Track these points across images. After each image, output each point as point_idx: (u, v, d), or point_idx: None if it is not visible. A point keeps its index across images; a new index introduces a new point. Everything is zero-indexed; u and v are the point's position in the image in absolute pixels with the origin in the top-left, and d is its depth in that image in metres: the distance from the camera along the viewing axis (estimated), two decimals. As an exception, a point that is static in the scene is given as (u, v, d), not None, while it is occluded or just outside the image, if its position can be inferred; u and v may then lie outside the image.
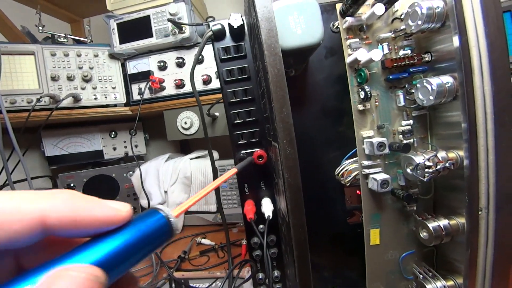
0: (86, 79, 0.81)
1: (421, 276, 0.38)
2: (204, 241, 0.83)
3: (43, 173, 1.01)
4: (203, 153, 0.96)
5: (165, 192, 0.89)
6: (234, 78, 0.38)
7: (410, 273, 0.40)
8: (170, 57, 0.83)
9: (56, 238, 0.14)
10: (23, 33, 0.83)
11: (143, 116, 0.97)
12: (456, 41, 0.28)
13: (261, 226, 0.40)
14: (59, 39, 0.87)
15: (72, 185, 0.94)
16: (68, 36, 0.90)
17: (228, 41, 0.38)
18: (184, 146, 1.16)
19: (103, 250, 0.13)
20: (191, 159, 0.92)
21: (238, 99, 0.38)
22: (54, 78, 0.78)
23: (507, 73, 0.28)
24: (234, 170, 0.25)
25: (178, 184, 0.90)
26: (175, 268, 0.69)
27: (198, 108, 0.83)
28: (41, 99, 0.73)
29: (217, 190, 0.56)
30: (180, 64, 0.82)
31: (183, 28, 0.76)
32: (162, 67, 0.83)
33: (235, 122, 0.38)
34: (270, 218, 0.35)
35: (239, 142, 0.39)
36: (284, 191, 0.27)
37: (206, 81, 0.81)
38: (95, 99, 0.83)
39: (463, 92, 0.28)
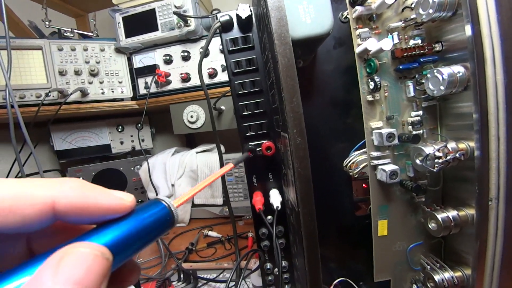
0: (93, 74, 0.81)
1: (428, 267, 0.39)
2: (211, 233, 0.84)
3: (52, 167, 1.03)
4: (209, 147, 0.97)
5: (172, 185, 0.90)
6: (242, 69, 0.38)
7: (418, 264, 0.41)
8: (175, 51, 0.83)
9: (64, 224, 0.15)
10: (30, 28, 0.83)
11: (150, 110, 0.98)
12: (468, 30, 0.28)
13: (269, 217, 0.41)
14: (65, 34, 0.87)
15: (81, 178, 0.95)
16: (74, 30, 0.90)
17: (236, 33, 0.38)
18: (190, 140, 1.16)
19: (109, 235, 0.13)
20: (197, 153, 0.93)
21: (246, 91, 0.38)
22: (61, 73, 0.78)
23: (520, 62, 0.27)
24: (230, 165, 0.25)
25: (185, 177, 0.91)
26: (183, 259, 0.71)
27: (204, 101, 0.84)
28: (49, 94, 0.74)
29: (223, 184, 0.56)
30: (186, 58, 0.82)
31: (189, 21, 0.76)
32: (168, 60, 0.83)
33: (243, 114, 0.38)
34: (279, 208, 0.36)
35: (247, 134, 0.39)
36: (294, 181, 0.27)
37: (212, 75, 0.81)
38: (102, 93, 0.83)
39: (475, 82, 0.28)
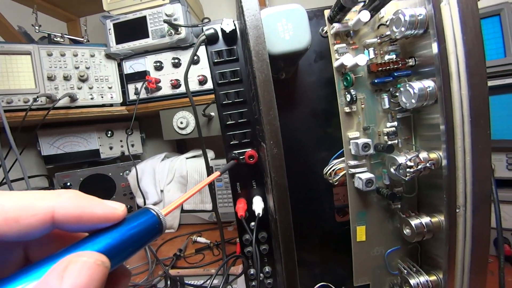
0: (83, 79, 0.81)
1: (405, 271, 0.40)
2: (199, 239, 0.84)
3: (39, 172, 1.02)
4: (199, 152, 0.98)
5: (161, 191, 0.90)
6: (227, 80, 0.39)
7: (396, 268, 0.42)
8: (166, 58, 0.84)
9: (59, 232, 0.16)
10: (19, 33, 0.83)
11: (140, 115, 0.98)
12: (435, 47, 0.30)
13: (253, 223, 0.42)
14: (55, 39, 0.88)
15: (68, 184, 0.95)
16: (65, 35, 0.90)
17: (221, 45, 0.39)
18: (181, 145, 1.17)
19: (103, 242, 0.15)
20: (187, 158, 0.94)
21: (230, 101, 0.39)
22: (50, 78, 0.78)
23: (483, 79, 0.30)
24: (217, 173, 0.26)
25: (174, 183, 0.91)
26: (171, 266, 0.71)
27: (192, 108, 0.85)
28: (37, 99, 0.74)
29: (211, 190, 0.57)
30: (176, 65, 0.83)
31: (179, 29, 0.77)
32: (158, 67, 0.84)
33: (228, 123, 0.40)
34: (260, 215, 0.37)
35: (231, 143, 0.40)
36: (271, 190, 0.28)
37: (202, 82, 0.82)
38: (92, 98, 0.83)
39: (441, 96, 0.30)
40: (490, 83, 0.62)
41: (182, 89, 0.84)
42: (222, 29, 0.37)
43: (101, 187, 0.98)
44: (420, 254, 0.42)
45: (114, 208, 0.15)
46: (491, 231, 0.62)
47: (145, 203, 0.81)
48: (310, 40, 0.32)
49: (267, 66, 0.26)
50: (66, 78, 0.80)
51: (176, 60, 0.83)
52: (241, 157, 0.39)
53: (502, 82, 0.62)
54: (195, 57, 0.81)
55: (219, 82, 0.39)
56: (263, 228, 0.41)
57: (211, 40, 0.39)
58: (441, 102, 0.30)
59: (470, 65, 0.29)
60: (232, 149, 0.40)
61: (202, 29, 0.38)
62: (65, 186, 0.95)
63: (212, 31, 0.38)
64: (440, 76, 0.29)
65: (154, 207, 0.17)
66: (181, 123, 0.84)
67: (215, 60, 0.39)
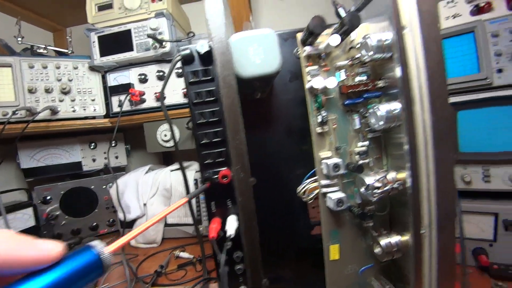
0: (65, 91, 0.81)
1: (379, 289, 0.40)
2: (182, 254, 0.82)
3: (19, 185, 0.99)
4: (185, 164, 0.97)
5: (145, 204, 0.89)
6: (202, 100, 0.39)
7: (370, 286, 0.42)
8: (151, 70, 0.84)
9: None
10: (0, 45, 0.82)
11: (125, 127, 0.98)
12: (398, 72, 0.31)
13: (229, 243, 0.41)
14: (38, 50, 0.87)
15: (48, 197, 0.92)
16: (48, 47, 0.90)
17: (197, 65, 0.40)
18: (167, 157, 1.16)
19: (35, 287, 0.14)
20: (171, 170, 0.93)
21: (206, 120, 0.39)
22: (31, 91, 0.77)
23: (445, 103, 0.31)
24: (184, 199, 0.26)
25: (158, 196, 0.90)
26: (151, 283, 0.69)
27: (178, 120, 0.84)
28: (16, 112, 0.72)
29: (190, 206, 0.56)
30: (161, 77, 0.84)
31: (164, 43, 0.77)
32: (143, 79, 0.84)
33: (202, 142, 0.40)
34: (232, 236, 0.37)
35: (206, 162, 0.40)
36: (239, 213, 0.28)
37: (186, 95, 0.82)
38: (74, 111, 0.82)
39: (405, 119, 0.31)
40: (465, 97, 0.64)
41: (167, 101, 0.84)
42: (196, 51, 0.37)
43: (83, 200, 0.96)
44: (393, 271, 0.42)
45: (48, 250, 0.15)
46: (469, 241, 0.63)
47: (124, 218, 0.80)
48: (281, 64, 0.33)
49: (234, 91, 0.27)
50: (48, 91, 0.79)
51: (161, 73, 0.83)
52: (215, 177, 0.39)
53: (477, 97, 0.64)
54: (180, 71, 0.82)
55: (195, 101, 0.39)
56: (238, 247, 0.41)
57: (187, 60, 0.39)
58: (405, 125, 0.31)
59: (432, 90, 0.30)
60: (207, 168, 0.40)
61: (178, 49, 0.39)
62: (45, 200, 0.92)
63: (188, 51, 0.38)
64: (403, 100, 0.30)
65: (97, 244, 0.16)
66: (165, 135, 0.84)
67: (191, 80, 0.39)
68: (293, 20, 1.11)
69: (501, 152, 0.61)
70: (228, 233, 0.37)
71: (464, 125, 0.66)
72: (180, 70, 0.83)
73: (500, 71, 0.62)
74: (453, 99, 0.65)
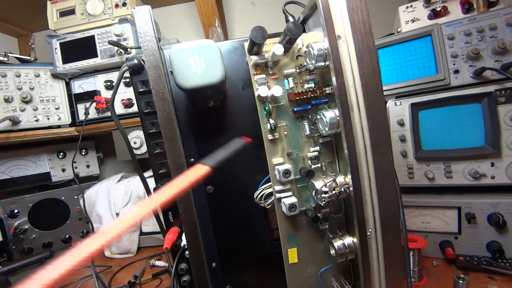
0: (26, 101, 0.78)
1: (338, 289, 0.41)
2: (158, 263, 0.81)
3: (-17, 199, 0.94)
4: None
5: (117, 214, 0.87)
6: (153, 110, 0.39)
7: (330, 287, 0.43)
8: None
9: None
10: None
11: (95, 134, 0.95)
12: (334, 82, 0.31)
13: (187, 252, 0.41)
14: (-2, 58, 0.83)
15: (15, 211, 0.88)
16: (9, 54, 0.86)
17: (146, 75, 0.39)
18: (141, 165, 1.13)
19: None
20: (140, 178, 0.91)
21: (157, 130, 0.39)
22: (-11, 101, 0.74)
23: (381, 111, 0.32)
24: (206, 167, 0.22)
25: (131, 204, 0.88)
26: (123, 294, 0.68)
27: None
28: (-28, 124, 0.69)
29: (157, 217, 0.55)
30: (128, 84, 0.82)
31: (128, 49, 0.76)
32: (109, 86, 0.82)
33: (155, 152, 0.39)
34: (186, 246, 0.36)
35: (160, 172, 0.40)
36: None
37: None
38: (36, 120, 0.79)
39: (343, 127, 0.31)
40: (425, 98, 0.67)
41: (135, 108, 0.83)
42: (143, 60, 0.37)
43: (53, 212, 0.93)
44: (353, 271, 0.43)
45: None
46: (435, 235, 0.66)
47: (92, 229, 0.78)
48: (223, 74, 0.33)
49: (168, 104, 0.27)
50: (7, 100, 0.76)
51: (128, 79, 0.81)
52: (169, 187, 0.39)
53: (435, 97, 0.67)
54: (129, 80, 0.80)
55: (145, 111, 0.39)
56: (183, 258, 0.40)
57: (135, 70, 0.38)
58: (343, 133, 0.32)
59: (367, 97, 0.31)
60: (161, 177, 0.40)
61: (126, 59, 0.38)
62: (12, 214, 0.88)
63: (135, 61, 0.38)
64: (340, 108, 0.31)
65: None
66: (135, 143, 0.82)
67: (140, 90, 0.39)
68: (266, 24, 1.12)
69: (461, 148, 0.64)
70: (183, 243, 0.37)
71: (425, 124, 0.69)
72: (129, 80, 0.81)
73: (456, 71, 0.64)
74: (414, 100, 0.68)
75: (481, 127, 0.63)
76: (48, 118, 0.81)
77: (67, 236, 0.94)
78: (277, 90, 0.34)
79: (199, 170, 0.22)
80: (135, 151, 0.84)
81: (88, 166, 0.99)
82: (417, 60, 0.71)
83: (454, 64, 0.65)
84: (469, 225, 0.63)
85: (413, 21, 0.75)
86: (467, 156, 0.64)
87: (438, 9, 0.71)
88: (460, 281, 0.50)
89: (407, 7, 0.75)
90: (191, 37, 1.14)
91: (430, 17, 0.72)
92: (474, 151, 0.63)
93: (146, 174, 0.93)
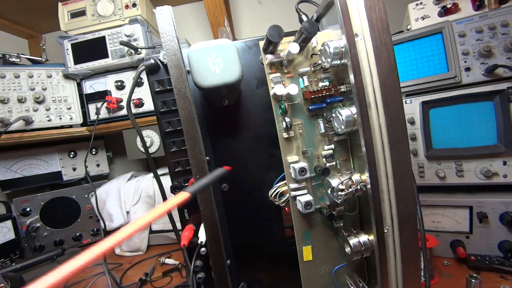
0: (39, 101, 0.79)
1: (352, 287, 0.41)
2: (168, 260, 0.82)
3: (-4, 198, 0.96)
4: (165, 171, 0.96)
5: (128, 212, 0.88)
6: (169, 109, 0.39)
7: (344, 284, 0.43)
8: (128, 77, 0.83)
9: None
10: (-32, 55, 0.80)
11: (105, 134, 0.96)
12: (352, 79, 0.32)
13: (203, 249, 0.42)
14: (10, 59, 0.84)
15: (28, 209, 0.90)
16: (21, 55, 0.87)
17: (162, 74, 0.40)
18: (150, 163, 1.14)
19: None
20: (154, 177, 0.92)
21: (173, 129, 0.40)
22: (3, 101, 0.75)
23: (399, 108, 0.32)
24: (187, 194, 0.23)
25: (141, 203, 0.89)
26: (135, 292, 0.68)
27: (157, 126, 0.84)
28: (-13, 124, 0.70)
29: (169, 213, 0.56)
30: (139, 84, 0.83)
31: (139, 49, 0.77)
32: (120, 86, 0.83)
33: (172, 150, 0.40)
34: (203, 243, 0.37)
35: (176, 170, 0.40)
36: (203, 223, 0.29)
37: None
38: (49, 120, 0.81)
39: (360, 125, 0.32)
40: (436, 96, 0.66)
41: (145, 108, 0.83)
42: (160, 60, 0.38)
43: (64, 211, 0.94)
44: (367, 269, 0.43)
45: None
46: (446, 234, 0.65)
47: (105, 227, 0.79)
48: (241, 73, 0.33)
49: (190, 103, 0.27)
50: (21, 101, 0.77)
51: (138, 79, 0.82)
52: (186, 184, 0.39)
53: (446, 95, 0.66)
54: (141, 79, 0.81)
55: (161, 110, 0.39)
56: (199, 256, 0.40)
57: (151, 70, 0.39)
58: (361, 131, 0.32)
59: (385, 95, 0.31)
60: (178, 175, 0.41)
61: (143, 59, 0.39)
62: (24, 212, 0.90)
63: (151, 61, 0.38)
64: (358, 106, 0.31)
65: None
66: (146, 142, 0.83)
67: (156, 90, 0.39)
68: (273, 23, 1.12)
69: (472, 147, 0.63)
70: (199, 240, 0.37)
71: (436, 122, 0.68)
72: (141, 79, 0.82)
73: (468, 69, 0.64)
74: (424, 98, 0.67)
75: (493, 125, 0.63)
76: (60, 118, 0.83)
77: (78, 234, 0.96)
78: (293, 89, 0.35)
79: (181, 196, 0.23)
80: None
81: (98, 165, 1.00)
82: (427, 57, 0.71)
83: (465, 62, 0.65)
84: (481, 225, 0.62)
85: (423, 18, 0.74)
86: (479, 155, 0.63)
87: (449, 6, 0.70)
88: (473, 281, 0.50)
89: (417, 4, 0.74)
90: (198, 37, 1.14)
91: (441, 14, 0.71)
92: (486, 150, 0.62)
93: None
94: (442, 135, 0.68)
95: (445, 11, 0.69)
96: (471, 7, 0.68)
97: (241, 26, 1.16)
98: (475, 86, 0.62)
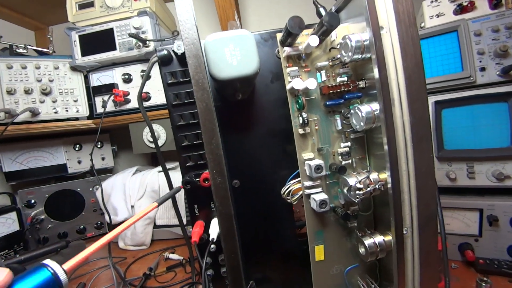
0: (45, 92, 0.78)
1: (364, 288, 0.41)
2: (172, 256, 0.81)
3: (1, 189, 0.96)
4: (173, 165, 0.95)
5: (132, 206, 0.87)
6: (181, 102, 0.38)
7: (356, 286, 0.42)
8: (135, 70, 0.82)
9: None
10: (-24, 45, 0.79)
11: (111, 127, 0.95)
12: (376, 74, 0.30)
13: (213, 246, 0.41)
14: (17, 50, 0.84)
15: (32, 201, 0.90)
16: (28, 46, 0.86)
17: (175, 66, 0.39)
18: (155, 158, 1.14)
19: None
20: (159, 171, 0.91)
21: (186, 122, 0.39)
22: (10, 92, 0.74)
23: (424, 105, 0.31)
24: (154, 204, 0.25)
25: (146, 198, 0.88)
26: (139, 286, 0.68)
27: (164, 121, 0.83)
28: (-6, 114, 0.70)
29: (175, 206, 0.55)
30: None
31: (147, 42, 0.75)
32: (127, 79, 0.82)
33: (183, 144, 0.39)
34: (215, 240, 0.36)
35: (187, 164, 0.39)
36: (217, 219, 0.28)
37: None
38: (55, 112, 0.80)
39: (384, 122, 0.30)
40: (449, 96, 0.65)
41: (152, 101, 0.82)
42: (173, 51, 0.36)
43: (68, 203, 0.94)
44: (379, 270, 0.42)
45: None
46: (455, 237, 0.64)
47: (110, 221, 0.78)
48: (259, 65, 0.32)
49: (208, 95, 0.26)
50: (27, 92, 0.76)
51: (142, 73, 0.81)
52: (196, 180, 0.39)
53: (460, 95, 0.65)
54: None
55: (174, 103, 0.38)
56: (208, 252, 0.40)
57: (164, 61, 0.38)
58: (384, 127, 0.31)
59: (410, 91, 0.30)
60: (189, 170, 0.40)
61: (155, 49, 0.38)
62: (29, 204, 0.90)
63: (164, 52, 0.37)
64: (381, 102, 0.30)
65: (52, 263, 0.15)
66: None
67: (169, 81, 0.38)
68: (282, 17, 1.11)
69: (484, 149, 0.62)
70: (211, 237, 0.36)
71: (448, 123, 0.67)
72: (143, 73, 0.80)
73: (483, 69, 0.62)
74: (437, 98, 0.66)
75: (507, 127, 0.61)
76: (67, 110, 0.82)
77: (82, 227, 0.95)
78: (311, 83, 0.33)
79: (152, 206, 0.26)
80: (151, 145, 0.84)
81: (103, 159, 0.99)
82: (441, 56, 0.69)
83: (480, 62, 0.63)
84: (491, 228, 0.61)
85: (437, 16, 0.72)
86: (491, 157, 0.62)
87: (465, 4, 0.68)
88: (483, 284, 0.49)
89: (432, 2, 0.72)
90: (206, 31, 1.13)
91: (456, 12, 0.70)
92: (498, 152, 0.61)
93: (160, 168, 0.93)
94: (454, 136, 0.67)
95: (461, 9, 0.68)
96: (488, 5, 0.66)
97: (249, 21, 1.15)
98: (490, 87, 0.61)
